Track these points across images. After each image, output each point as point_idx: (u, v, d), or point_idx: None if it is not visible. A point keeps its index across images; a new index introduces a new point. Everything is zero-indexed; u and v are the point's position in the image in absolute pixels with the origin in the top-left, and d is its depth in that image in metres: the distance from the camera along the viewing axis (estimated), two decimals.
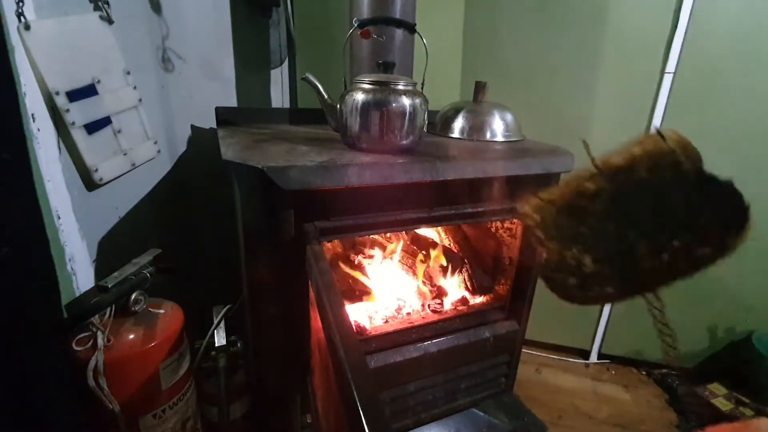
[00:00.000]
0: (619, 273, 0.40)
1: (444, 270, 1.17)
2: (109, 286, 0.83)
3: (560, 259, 0.42)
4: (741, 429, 0.36)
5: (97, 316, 0.81)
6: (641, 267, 0.39)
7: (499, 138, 1.08)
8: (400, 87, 0.82)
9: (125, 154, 1.00)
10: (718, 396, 1.39)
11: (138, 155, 1.05)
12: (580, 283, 0.40)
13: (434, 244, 1.24)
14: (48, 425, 0.70)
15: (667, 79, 1.30)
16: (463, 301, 1.13)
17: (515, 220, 1.03)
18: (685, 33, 1.25)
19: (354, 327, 0.84)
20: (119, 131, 0.98)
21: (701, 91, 1.30)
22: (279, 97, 1.41)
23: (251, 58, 1.34)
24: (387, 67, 0.86)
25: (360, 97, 0.81)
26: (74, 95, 0.85)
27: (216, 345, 1.02)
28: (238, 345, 1.07)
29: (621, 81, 1.34)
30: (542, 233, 0.45)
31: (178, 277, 1.01)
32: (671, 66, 1.29)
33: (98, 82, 0.91)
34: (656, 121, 1.35)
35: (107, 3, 0.93)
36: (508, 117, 1.10)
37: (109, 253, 0.99)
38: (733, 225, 0.38)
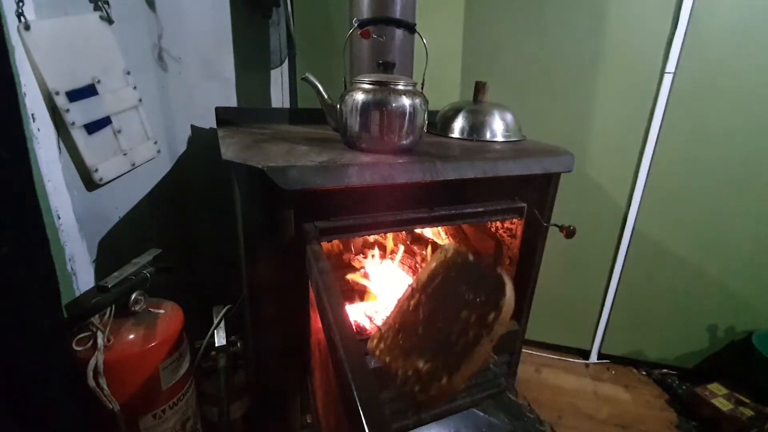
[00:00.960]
0: (444, 362, 0.43)
1: None
2: (109, 286, 0.83)
3: (403, 373, 0.45)
4: None
5: (97, 316, 0.81)
6: (457, 349, 0.43)
7: (499, 138, 1.08)
8: (400, 87, 0.82)
9: (125, 154, 1.00)
10: (718, 396, 1.39)
11: (138, 155, 1.05)
12: (421, 386, 0.43)
13: (434, 244, 1.25)
14: (48, 425, 0.70)
15: (667, 79, 1.30)
16: None
17: (515, 220, 1.03)
18: (685, 33, 1.25)
19: (354, 327, 0.84)
20: (119, 131, 0.98)
21: (701, 91, 1.30)
22: (279, 97, 1.41)
23: (251, 58, 1.34)
24: (387, 67, 0.86)
25: (360, 97, 0.81)
26: (74, 95, 0.85)
27: (216, 345, 1.02)
28: (238, 345, 1.07)
29: (621, 81, 1.35)
30: (387, 359, 0.49)
31: (178, 277, 1.01)
32: (671, 66, 1.29)
33: (98, 82, 0.91)
34: (656, 121, 1.35)
35: (107, 3, 0.93)
36: (508, 117, 1.10)
37: (109, 253, 0.99)
38: (498, 291, 0.45)
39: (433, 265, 0.53)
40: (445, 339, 0.44)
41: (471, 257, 0.50)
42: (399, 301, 0.54)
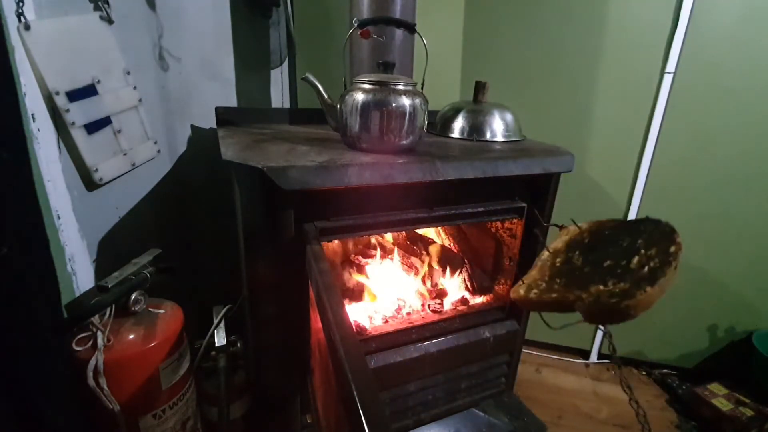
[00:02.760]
0: (637, 279, 0.50)
1: (443, 269, 1.17)
2: (109, 286, 0.83)
3: (589, 296, 0.53)
4: None
5: (97, 316, 0.81)
6: (645, 272, 0.51)
7: (499, 138, 1.08)
8: (400, 87, 0.82)
9: (125, 154, 1.00)
10: (718, 396, 1.39)
11: (138, 155, 1.05)
12: (620, 298, 0.50)
13: (434, 244, 1.25)
14: (48, 425, 0.70)
15: (667, 79, 1.30)
16: (463, 301, 1.13)
17: (515, 220, 1.03)
18: (685, 33, 1.25)
19: (354, 327, 0.84)
20: (119, 131, 0.98)
21: (701, 91, 1.30)
22: (279, 97, 1.41)
23: (251, 58, 1.34)
24: (387, 67, 0.86)
25: (360, 97, 0.81)
26: (74, 95, 0.85)
27: (216, 345, 1.02)
28: (238, 345, 1.07)
29: (621, 81, 1.34)
30: (554, 295, 0.57)
31: (178, 277, 1.01)
32: (671, 66, 1.29)
33: (98, 82, 0.91)
34: (656, 121, 1.34)
35: (107, 3, 0.93)
36: (508, 117, 1.10)
37: (109, 253, 0.99)
38: (667, 234, 0.55)
39: (566, 239, 0.66)
40: (625, 267, 0.52)
41: (615, 222, 0.63)
42: (537, 264, 0.65)
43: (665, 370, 1.61)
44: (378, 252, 1.19)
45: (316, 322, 0.71)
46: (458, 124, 1.10)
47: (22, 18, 0.75)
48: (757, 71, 1.26)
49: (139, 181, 1.09)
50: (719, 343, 1.54)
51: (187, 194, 1.27)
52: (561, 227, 0.75)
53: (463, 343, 1.03)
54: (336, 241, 1.17)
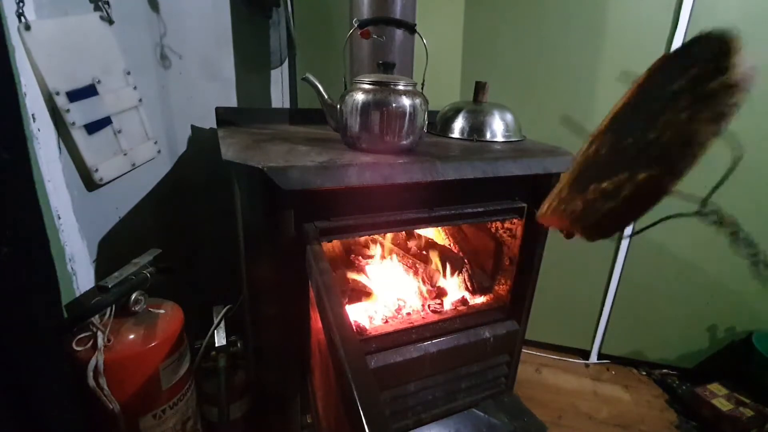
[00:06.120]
0: (647, 161, 0.35)
1: (443, 269, 1.17)
2: (109, 286, 0.83)
3: (592, 195, 0.40)
4: None
5: (97, 316, 0.81)
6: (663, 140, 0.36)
7: (499, 138, 1.08)
8: (400, 87, 0.82)
9: (125, 154, 1.00)
10: (718, 396, 1.39)
11: (138, 155, 1.05)
12: (630, 191, 0.37)
13: (434, 244, 1.25)
14: (48, 425, 0.70)
15: None
16: (463, 301, 1.13)
17: (515, 220, 1.03)
18: (685, 33, 1.25)
19: (354, 327, 0.84)
20: (119, 131, 0.98)
21: None
22: (279, 97, 1.41)
23: (251, 58, 1.34)
24: (387, 67, 0.86)
25: (360, 97, 0.81)
26: (74, 95, 0.86)
27: (216, 345, 1.02)
28: (238, 345, 1.07)
29: (621, 81, 1.34)
30: (562, 207, 0.45)
31: (178, 277, 1.01)
32: None
33: (98, 82, 0.91)
34: None
35: (107, 3, 0.93)
36: (508, 117, 1.10)
37: (109, 253, 0.99)
38: (724, 48, 0.35)
39: (609, 115, 0.50)
40: (643, 146, 0.37)
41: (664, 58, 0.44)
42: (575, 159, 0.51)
43: (665, 370, 1.61)
44: (378, 252, 1.19)
45: (316, 322, 0.71)
46: (458, 125, 1.10)
47: (22, 18, 0.75)
48: (757, 71, 1.25)
49: (139, 181, 1.09)
50: (719, 343, 1.54)
51: (187, 194, 1.27)
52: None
53: (463, 343, 1.03)
54: (336, 241, 1.17)
